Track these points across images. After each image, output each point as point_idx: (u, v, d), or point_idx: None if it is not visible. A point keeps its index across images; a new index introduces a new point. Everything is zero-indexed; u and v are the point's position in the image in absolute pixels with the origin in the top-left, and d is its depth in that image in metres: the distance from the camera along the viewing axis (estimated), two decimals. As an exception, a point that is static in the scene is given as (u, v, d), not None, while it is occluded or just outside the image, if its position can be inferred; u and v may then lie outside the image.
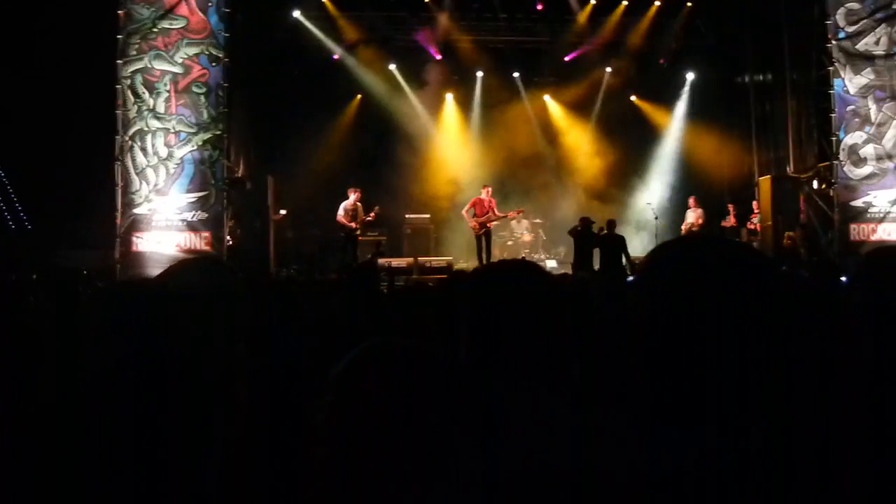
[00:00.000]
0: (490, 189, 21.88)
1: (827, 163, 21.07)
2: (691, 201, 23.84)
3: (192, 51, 19.87)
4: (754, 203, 23.45)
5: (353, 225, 21.16)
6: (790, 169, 22.77)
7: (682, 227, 23.72)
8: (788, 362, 1.66)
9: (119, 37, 19.56)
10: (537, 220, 25.53)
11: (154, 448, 1.97)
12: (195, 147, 19.69)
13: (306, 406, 2.46)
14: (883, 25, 20.71)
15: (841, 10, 20.73)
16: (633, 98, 27.64)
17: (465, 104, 27.48)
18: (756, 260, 1.71)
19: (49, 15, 19.94)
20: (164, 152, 19.57)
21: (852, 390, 2.59)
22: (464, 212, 21.91)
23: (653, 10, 25.58)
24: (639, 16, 25.88)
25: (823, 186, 21.38)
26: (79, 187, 19.90)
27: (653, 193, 25.64)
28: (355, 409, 2.31)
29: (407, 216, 24.94)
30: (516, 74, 27.22)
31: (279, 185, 22.75)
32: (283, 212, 22.68)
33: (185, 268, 2.16)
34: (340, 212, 21.23)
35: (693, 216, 23.45)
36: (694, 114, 27.19)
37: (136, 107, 19.55)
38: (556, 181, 26.19)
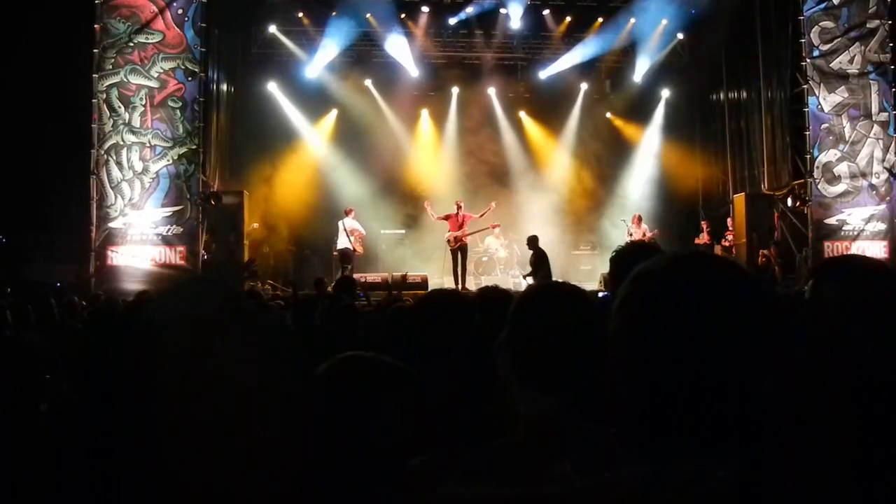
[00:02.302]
0: (462, 204, 21.89)
1: (801, 180, 21.19)
2: (634, 219, 23.43)
3: (168, 65, 19.86)
4: (729, 220, 23.51)
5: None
6: (764, 186, 22.85)
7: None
8: (783, 381, 1.65)
9: (95, 51, 19.52)
10: (513, 236, 25.48)
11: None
12: (171, 161, 19.66)
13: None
14: (857, 44, 20.90)
15: (815, 29, 20.90)
16: (608, 115, 27.69)
17: (440, 120, 27.45)
18: (745, 278, 1.70)
19: (23, 29, 19.86)
20: (139, 166, 19.52)
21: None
22: (435, 217, 22.24)
23: (628, 27, 25.66)
24: (614, 33, 25.94)
25: (798, 204, 21.46)
26: (53, 201, 19.83)
27: (627, 210, 25.62)
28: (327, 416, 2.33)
29: (382, 231, 24.89)
30: (492, 90, 27.21)
31: (254, 199, 22.72)
32: (255, 225, 22.64)
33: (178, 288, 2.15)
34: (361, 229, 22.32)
35: (637, 235, 23.05)
36: (669, 131, 27.28)
37: (111, 121, 19.50)
38: (532, 197, 26.14)
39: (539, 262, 19.21)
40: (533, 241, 19.63)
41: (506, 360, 2.66)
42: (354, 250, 21.94)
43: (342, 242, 21.95)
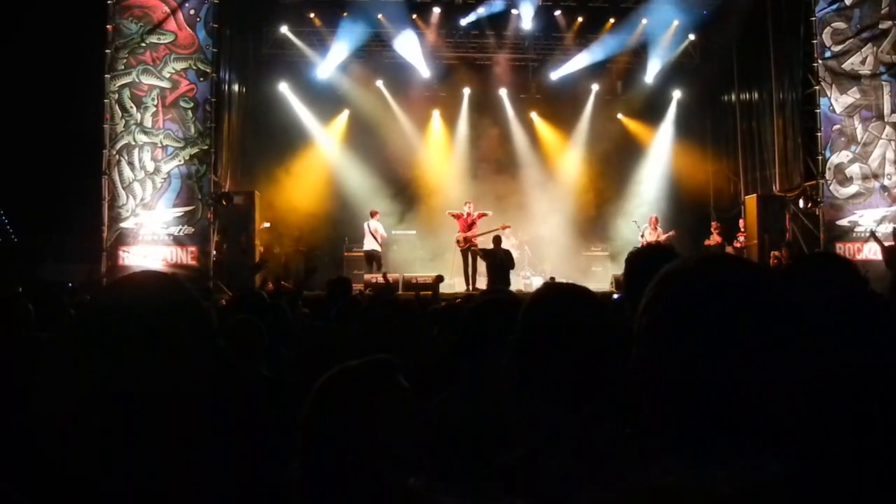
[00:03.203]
0: (472, 204, 21.98)
1: (813, 182, 21.11)
2: (651, 221, 23.24)
3: (180, 66, 19.89)
4: (740, 221, 23.44)
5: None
6: (776, 188, 22.79)
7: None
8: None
9: (107, 51, 19.56)
10: (524, 237, 25.46)
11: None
12: (182, 161, 19.71)
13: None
14: (869, 45, 20.80)
15: (827, 30, 20.82)
16: (619, 116, 27.64)
17: (451, 121, 27.44)
18: (771, 279, 1.70)
19: (35, 29, 19.91)
20: (150, 167, 19.57)
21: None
22: (448, 212, 22.66)
23: (640, 28, 25.63)
24: (626, 34, 25.93)
25: (809, 205, 21.39)
26: (65, 201, 19.88)
27: (638, 211, 25.58)
28: (326, 426, 2.33)
29: (393, 232, 24.90)
30: (503, 91, 27.21)
31: (265, 200, 22.75)
32: (266, 224, 22.69)
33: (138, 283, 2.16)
34: (383, 231, 22.79)
35: (651, 238, 22.87)
36: (680, 132, 27.23)
37: (123, 121, 19.55)
38: (543, 198, 26.12)
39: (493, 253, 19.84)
40: (497, 240, 20.35)
41: (512, 364, 2.65)
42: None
43: (368, 244, 22.33)
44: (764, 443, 1.53)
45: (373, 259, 22.26)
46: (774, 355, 1.57)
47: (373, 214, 22.68)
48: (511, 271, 20.27)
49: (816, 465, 1.51)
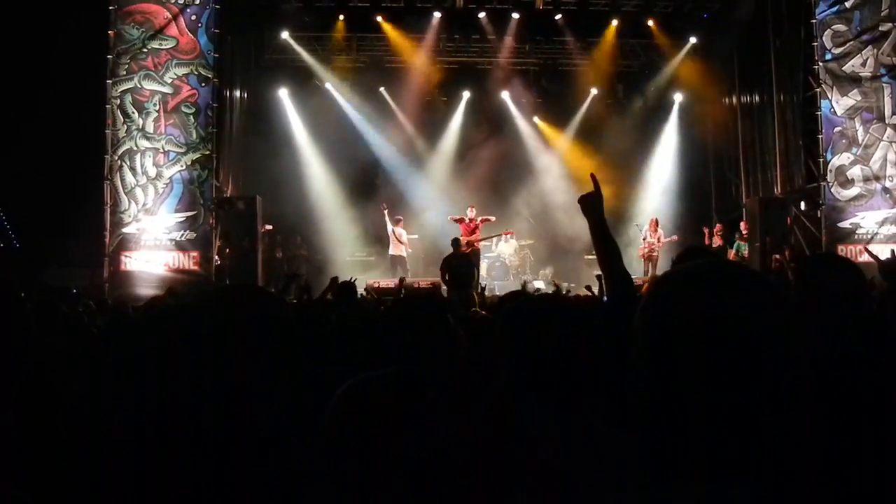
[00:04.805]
0: (475, 209, 22.00)
1: (814, 184, 21.10)
2: (651, 223, 23.38)
3: (182, 71, 19.92)
4: (742, 224, 23.39)
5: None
6: (777, 190, 22.78)
7: (642, 250, 23.28)
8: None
9: (109, 57, 19.60)
10: (525, 242, 25.45)
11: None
12: (184, 167, 19.74)
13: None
14: (869, 47, 20.81)
15: (828, 32, 20.83)
16: (620, 119, 27.54)
17: (452, 125, 27.42)
18: (764, 282, 1.71)
19: (38, 35, 19.94)
20: (152, 172, 19.60)
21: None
22: (449, 217, 22.80)
23: (642, 31, 25.65)
24: (628, 37, 25.96)
25: (811, 207, 21.40)
26: (67, 206, 19.90)
27: (641, 214, 25.55)
28: (343, 444, 2.30)
29: (395, 236, 24.94)
30: (505, 95, 27.18)
31: (268, 204, 22.74)
32: (268, 226, 22.69)
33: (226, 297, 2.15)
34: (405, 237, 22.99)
35: (652, 240, 22.95)
36: (681, 135, 27.19)
37: (125, 126, 19.59)
38: (545, 202, 26.08)
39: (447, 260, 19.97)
40: (455, 244, 20.16)
41: (509, 371, 2.67)
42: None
43: (395, 249, 22.72)
44: (736, 460, 1.54)
45: (398, 264, 22.48)
46: (761, 356, 1.58)
47: (397, 222, 22.87)
48: (470, 279, 20.28)
49: (779, 492, 1.52)
